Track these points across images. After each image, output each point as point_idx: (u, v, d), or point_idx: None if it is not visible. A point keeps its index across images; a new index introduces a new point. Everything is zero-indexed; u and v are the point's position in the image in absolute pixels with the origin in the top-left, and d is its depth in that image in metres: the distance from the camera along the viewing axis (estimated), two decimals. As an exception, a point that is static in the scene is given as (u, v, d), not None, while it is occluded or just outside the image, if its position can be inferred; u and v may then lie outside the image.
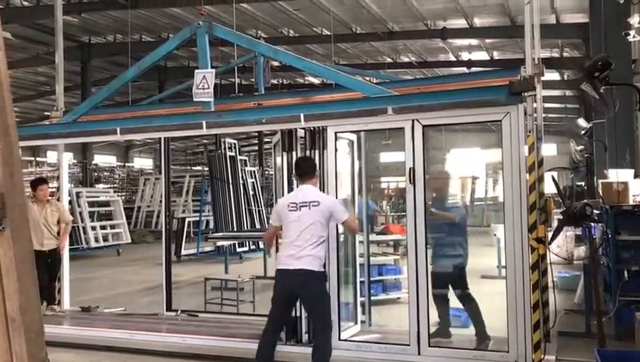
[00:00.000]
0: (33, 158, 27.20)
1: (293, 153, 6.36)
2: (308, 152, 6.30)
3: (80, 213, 16.95)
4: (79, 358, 6.67)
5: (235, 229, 14.90)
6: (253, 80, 9.67)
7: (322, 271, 5.37)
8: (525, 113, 5.49)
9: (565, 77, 22.62)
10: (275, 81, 25.08)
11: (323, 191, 6.00)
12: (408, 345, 5.78)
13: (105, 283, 12.67)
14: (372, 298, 7.61)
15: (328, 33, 17.66)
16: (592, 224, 6.72)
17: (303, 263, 5.17)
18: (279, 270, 5.33)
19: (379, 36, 18.59)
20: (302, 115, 6.08)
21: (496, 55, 21.39)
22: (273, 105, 7.25)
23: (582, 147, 14.42)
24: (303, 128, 6.27)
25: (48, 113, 8.65)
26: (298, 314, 6.24)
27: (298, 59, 7.10)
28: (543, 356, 5.40)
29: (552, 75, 21.79)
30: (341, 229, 6.11)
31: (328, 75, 6.93)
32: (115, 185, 28.67)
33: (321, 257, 5.32)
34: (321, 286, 5.39)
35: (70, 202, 16.35)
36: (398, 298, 9.06)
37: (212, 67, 6.80)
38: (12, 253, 1.66)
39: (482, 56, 21.62)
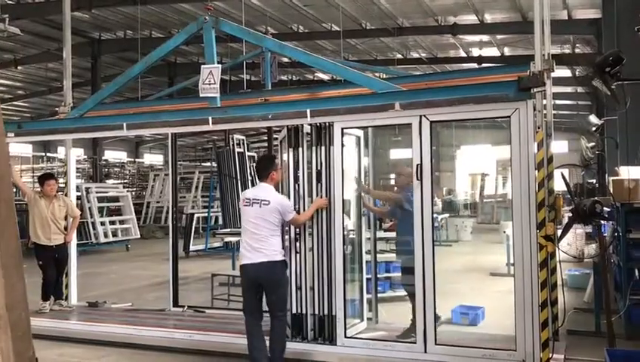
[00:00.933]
0: (44, 154, 27.35)
1: (299, 150, 6.30)
2: (314, 148, 6.25)
3: (89, 208, 16.98)
4: (87, 353, 6.69)
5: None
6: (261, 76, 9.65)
7: (278, 260, 5.62)
8: (534, 109, 5.42)
9: (577, 73, 22.36)
10: (284, 78, 25.04)
11: (329, 187, 6.06)
12: (414, 342, 5.74)
13: (113, 278, 12.71)
14: (379, 295, 7.56)
15: (338, 29, 17.59)
16: (603, 222, 6.63)
17: (260, 256, 5.54)
18: (242, 265, 5.69)
19: (389, 32, 18.47)
20: (308, 111, 6.05)
21: (507, 51, 21.19)
22: (280, 100, 7.21)
23: (593, 144, 14.23)
24: (310, 124, 6.22)
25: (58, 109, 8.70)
26: (303, 312, 6.22)
27: (304, 54, 7.06)
28: (551, 354, 5.34)
29: (563, 72, 21.57)
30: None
31: (335, 70, 6.88)
32: (125, 181, 28.77)
33: (277, 248, 5.61)
34: (281, 274, 5.70)
35: (80, 197, 16.44)
36: (406, 295, 8.99)
37: (220, 63, 6.77)
38: (-2, 249, 1.62)
39: (493, 52, 21.44)
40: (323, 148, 6.20)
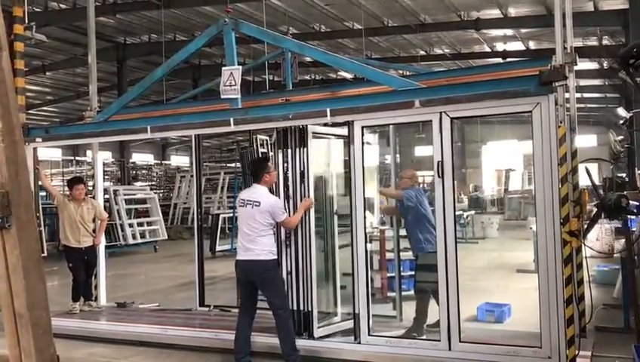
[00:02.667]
0: (73, 158, 27.86)
1: (289, 151, 6.39)
2: (281, 152, 6.42)
3: (117, 210, 17.25)
4: (115, 352, 6.80)
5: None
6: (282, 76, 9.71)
7: (268, 259, 5.84)
8: (556, 103, 5.35)
9: (604, 65, 21.99)
10: (307, 77, 25.10)
11: (351, 186, 6.09)
12: (439, 340, 5.72)
13: (141, 279, 12.91)
14: (403, 293, 7.55)
15: (359, 27, 17.57)
16: (631, 216, 6.51)
17: (251, 254, 5.83)
18: (236, 260, 6.01)
19: (411, 29, 18.39)
20: (328, 110, 6.06)
21: (532, 45, 20.92)
22: (301, 100, 7.24)
23: (622, 137, 13.97)
24: (284, 128, 6.35)
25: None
26: (309, 309, 6.26)
27: (323, 54, 7.08)
28: (577, 351, 5.27)
29: (590, 64, 21.22)
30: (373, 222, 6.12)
31: (354, 68, 6.88)
32: (152, 183, 29.16)
33: (267, 248, 5.83)
34: (272, 272, 5.91)
35: (108, 200, 16.71)
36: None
37: (242, 64, 6.82)
38: (18, 250, 1.69)
39: (518, 46, 21.19)
40: (289, 151, 6.34)
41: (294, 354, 5.83)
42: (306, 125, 6.28)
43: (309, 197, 6.27)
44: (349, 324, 6.36)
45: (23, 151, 1.81)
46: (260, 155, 6.44)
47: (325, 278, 6.77)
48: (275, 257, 5.95)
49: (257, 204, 5.85)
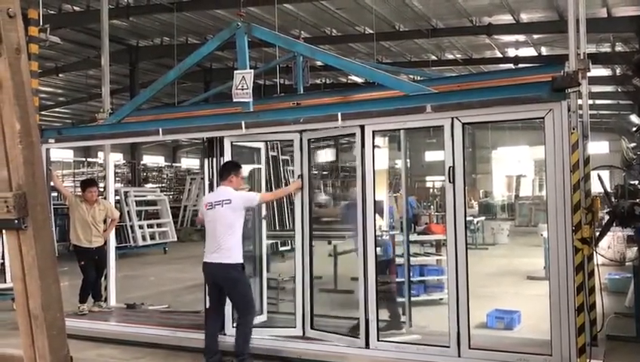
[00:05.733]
0: (84, 159, 28.03)
1: (214, 159, 6.80)
2: (206, 160, 6.91)
3: (128, 211, 17.33)
4: (124, 354, 6.83)
5: (277, 228, 14.97)
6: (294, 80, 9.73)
7: (236, 262, 5.92)
8: (569, 110, 5.33)
9: (617, 72, 21.83)
10: (318, 81, 25.12)
11: (363, 191, 6.09)
12: (448, 346, 5.69)
13: (151, 280, 12.95)
14: (413, 299, 7.52)
15: (371, 32, 17.58)
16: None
17: (219, 257, 5.89)
18: (203, 262, 6.07)
19: (422, 33, 18.37)
20: (339, 114, 6.06)
21: (544, 51, 20.85)
22: (312, 104, 7.26)
23: (634, 144, 13.86)
24: (202, 138, 6.76)
25: (98, 115, 8.98)
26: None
27: (335, 58, 7.09)
28: (588, 360, 5.23)
29: (603, 71, 21.09)
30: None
31: (365, 73, 6.90)
32: (162, 185, 29.26)
33: (234, 249, 5.91)
34: (237, 276, 5.95)
35: (119, 201, 16.80)
36: (441, 299, 8.92)
37: (254, 67, 6.85)
38: (34, 251, 1.71)
39: (530, 52, 21.11)
40: (214, 159, 6.77)
41: (245, 356, 5.93)
42: (223, 137, 6.70)
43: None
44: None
45: (40, 152, 1.83)
46: (232, 160, 6.60)
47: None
48: (242, 261, 6.01)
49: (228, 201, 5.93)
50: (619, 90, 23.36)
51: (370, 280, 6.04)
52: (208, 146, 6.93)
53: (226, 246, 5.89)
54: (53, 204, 15.84)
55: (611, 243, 11.63)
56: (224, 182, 6.16)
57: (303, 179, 6.50)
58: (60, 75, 22.82)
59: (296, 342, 6.39)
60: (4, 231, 1.81)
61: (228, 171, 6.20)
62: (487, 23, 17.76)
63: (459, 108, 5.63)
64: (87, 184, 8.68)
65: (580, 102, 5.81)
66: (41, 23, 8.13)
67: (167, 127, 7.23)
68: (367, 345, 6.02)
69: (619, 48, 19.18)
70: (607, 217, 6.53)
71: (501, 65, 21.66)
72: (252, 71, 6.67)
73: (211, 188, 6.67)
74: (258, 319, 6.91)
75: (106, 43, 9.08)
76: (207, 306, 6.39)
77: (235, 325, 6.21)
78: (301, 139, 6.54)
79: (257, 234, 7.33)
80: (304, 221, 6.50)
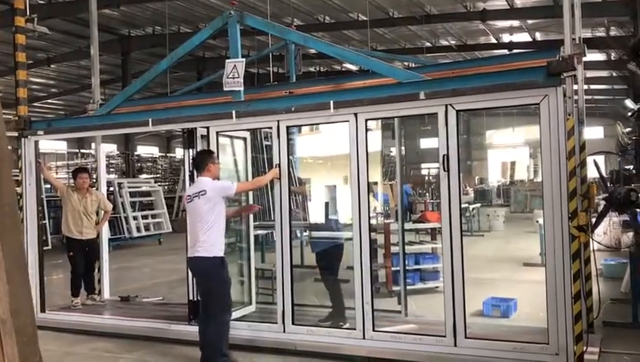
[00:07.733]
0: (78, 150, 27.85)
1: (193, 150, 6.77)
2: (185, 151, 6.92)
3: (122, 203, 17.21)
4: (118, 347, 6.76)
5: (272, 218, 14.88)
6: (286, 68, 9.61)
7: (214, 256, 5.73)
8: (565, 95, 5.25)
9: (611, 57, 21.75)
10: (311, 69, 24.96)
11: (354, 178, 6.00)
12: (444, 336, 5.64)
13: (146, 272, 12.88)
14: (409, 287, 7.47)
15: (365, 18, 17.42)
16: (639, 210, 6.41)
17: (197, 251, 5.75)
18: (187, 258, 5.99)
19: (416, 20, 18.24)
20: (332, 102, 5.97)
21: (538, 36, 20.73)
22: (304, 93, 7.15)
23: (630, 129, 13.79)
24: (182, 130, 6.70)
25: (89, 105, 8.85)
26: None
27: (327, 46, 6.98)
28: (585, 348, 5.18)
29: (597, 56, 21.00)
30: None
31: (358, 60, 6.78)
32: (157, 176, 29.08)
33: (211, 242, 5.72)
34: (212, 271, 5.76)
35: (112, 192, 16.68)
36: (437, 287, 8.89)
37: (246, 56, 6.74)
38: (1, 254, 1.61)
39: (524, 37, 20.99)
40: (193, 150, 6.73)
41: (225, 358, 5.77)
42: (195, 128, 6.76)
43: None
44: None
45: (6, 150, 1.73)
46: (204, 149, 6.50)
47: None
48: (220, 255, 5.81)
49: (203, 192, 5.77)
50: (614, 74, 23.34)
51: (365, 269, 5.97)
52: (188, 137, 6.85)
53: (202, 238, 5.71)
54: (47, 197, 15.73)
55: (607, 229, 11.59)
56: (202, 172, 5.96)
57: (281, 168, 6.33)
58: (52, 66, 22.62)
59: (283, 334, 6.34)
60: None
61: (204, 161, 6.01)
62: (482, 8, 17.65)
63: (453, 94, 5.55)
64: (79, 171, 8.64)
65: (575, 87, 5.72)
66: (27, 13, 7.97)
67: (157, 117, 7.13)
68: (363, 336, 5.97)
69: (613, 32, 19.09)
70: (602, 203, 6.48)
71: (496, 51, 21.54)
72: (244, 60, 6.57)
73: (192, 180, 6.48)
74: (247, 310, 6.98)
75: (95, 33, 8.93)
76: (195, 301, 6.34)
77: (198, 322, 6.05)
78: (278, 127, 6.35)
79: (244, 223, 7.35)
80: (283, 210, 6.34)
